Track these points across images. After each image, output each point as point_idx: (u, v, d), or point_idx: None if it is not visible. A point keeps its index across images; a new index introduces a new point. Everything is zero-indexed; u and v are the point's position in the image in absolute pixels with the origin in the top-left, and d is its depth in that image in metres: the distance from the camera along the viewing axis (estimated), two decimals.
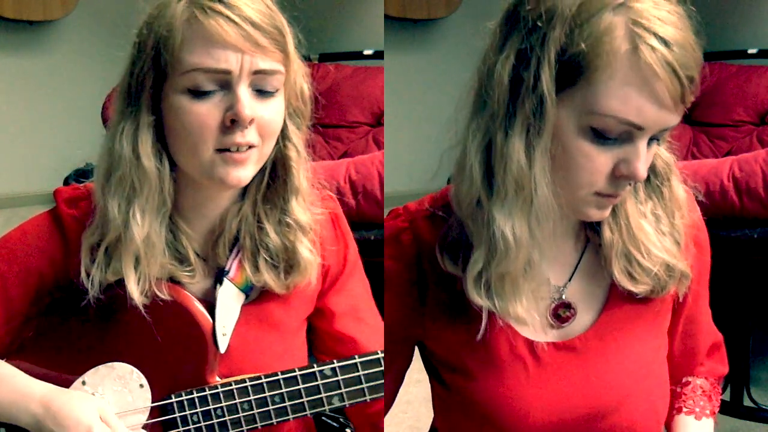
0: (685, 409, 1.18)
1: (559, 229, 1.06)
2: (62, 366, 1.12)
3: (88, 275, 1.09)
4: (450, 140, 1.03)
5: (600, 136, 0.93)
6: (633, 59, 0.89)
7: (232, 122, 1.04)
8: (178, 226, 1.12)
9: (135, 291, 1.07)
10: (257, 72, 1.04)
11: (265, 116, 1.06)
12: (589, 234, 1.09)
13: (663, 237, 1.06)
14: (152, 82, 1.05)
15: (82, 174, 1.36)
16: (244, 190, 1.15)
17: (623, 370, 1.07)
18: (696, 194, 1.12)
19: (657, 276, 1.05)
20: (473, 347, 1.05)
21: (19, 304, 1.12)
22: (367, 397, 1.15)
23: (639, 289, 1.05)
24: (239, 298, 1.16)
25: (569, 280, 1.09)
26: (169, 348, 1.11)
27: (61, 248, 1.12)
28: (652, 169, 1.05)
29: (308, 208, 1.17)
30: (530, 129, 0.94)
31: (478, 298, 1.01)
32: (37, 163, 4.79)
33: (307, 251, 1.16)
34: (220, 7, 1.02)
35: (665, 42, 0.89)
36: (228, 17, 1.02)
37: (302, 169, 1.15)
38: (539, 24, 0.92)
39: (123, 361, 1.11)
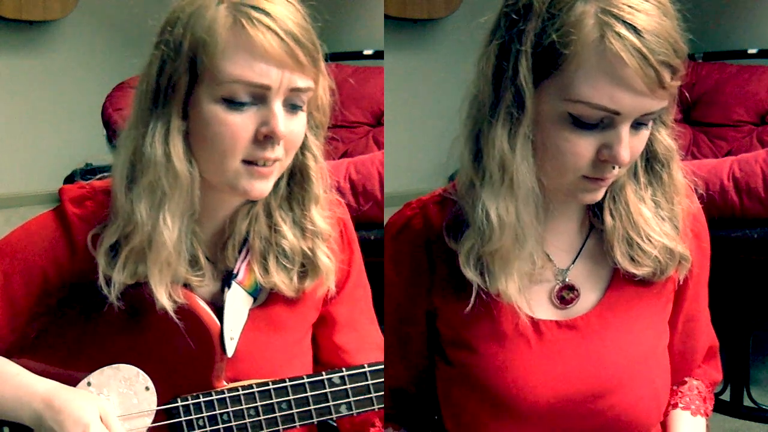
0: (681, 405, 1.20)
1: (564, 214, 1.09)
2: (68, 366, 1.11)
3: (105, 278, 1.07)
4: (459, 130, 1.07)
5: (579, 123, 0.95)
6: (601, 48, 0.92)
7: (265, 137, 1.02)
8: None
9: (163, 296, 1.06)
10: (293, 89, 1.03)
11: (293, 131, 1.05)
12: (593, 220, 1.11)
13: (662, 222, 1.09)
14: (186, 85, 1.02)
15: (89, 171, 1.36)
16: None
17: (624, 351, 1.09)
18: (696, 188, 1.14)
19: (657, 259, 1.08)
20: (477, 322, 1.08)
21: (23, 303, 1.12)
22: (375, 406, 1.15)
23: (641, 271, 1.09)
24: (247, 302, 1.16)
25: (573, 263, 1.11)
26: (176, 351, 1.11)
27: (66, 248, 1.11)
28: (654, 155, 1.08)
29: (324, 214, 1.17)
30: (512, 117, 0.97)
31: (470, 273, 1.04)
32: (37, 163, 4.77)
33: (326, 257, 1.17)
34: (265, 19, 1.00)
35: (635, 29, 0.91)
36: (275, 31, 0.99)
37: (320, 178, 1.16)
38: (516, 17, 0.96)
39: (129, 363, 1.11)
